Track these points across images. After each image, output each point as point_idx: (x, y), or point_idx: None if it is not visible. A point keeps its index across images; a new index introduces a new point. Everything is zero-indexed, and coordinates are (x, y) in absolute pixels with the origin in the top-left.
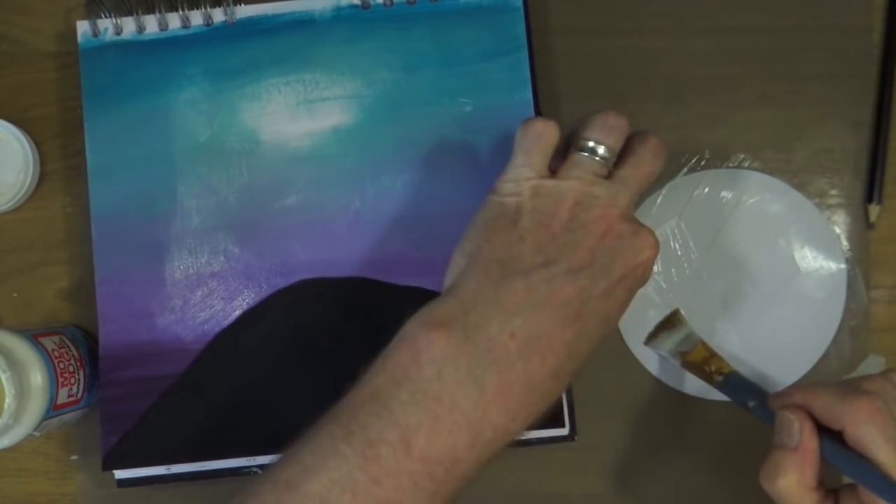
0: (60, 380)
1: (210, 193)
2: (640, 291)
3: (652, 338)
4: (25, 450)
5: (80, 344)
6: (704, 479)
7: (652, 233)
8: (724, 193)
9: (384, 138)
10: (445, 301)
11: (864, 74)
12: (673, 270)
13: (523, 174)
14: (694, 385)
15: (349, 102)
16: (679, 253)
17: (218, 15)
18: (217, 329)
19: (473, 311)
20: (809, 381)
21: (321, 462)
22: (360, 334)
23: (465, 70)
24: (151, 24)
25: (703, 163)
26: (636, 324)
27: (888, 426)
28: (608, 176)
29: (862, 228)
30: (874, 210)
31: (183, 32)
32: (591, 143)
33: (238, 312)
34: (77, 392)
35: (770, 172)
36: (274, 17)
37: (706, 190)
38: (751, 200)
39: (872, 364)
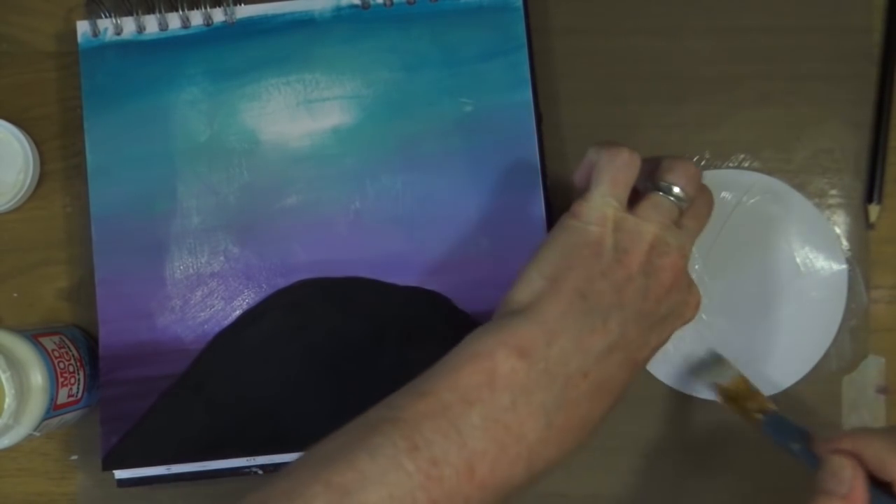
0: (60, 380)
1: (210, 193)
2: None
3: (691, 373)
4: (25, 450)
5: (80, 344)
6: (704, 479)
7: (698, 290)
8: (724, 194)
9: (384, 138)
10: (526, 324)
11: (864, 74)
12: None
13: (609, 204)
14: (694, 385)
15: (349, 102)
16: None
17: (218, 15)
18: (217, 329)
19: (556, 343)
20: (859, 428)
21: (381, 473)
22: (360, 334)
23: (465, 70)
24: (151, 24)
25: (703, 163)
26: None
27: None
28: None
29: (862, 228)
30: (874, 210)
31: (183, 32)
32: (676, 189)
33: (238, 312)
34: (77, 392)
35: (770, 172)
36: (274, 17)
37: None
38: (751, 201)
39: (872, 364)
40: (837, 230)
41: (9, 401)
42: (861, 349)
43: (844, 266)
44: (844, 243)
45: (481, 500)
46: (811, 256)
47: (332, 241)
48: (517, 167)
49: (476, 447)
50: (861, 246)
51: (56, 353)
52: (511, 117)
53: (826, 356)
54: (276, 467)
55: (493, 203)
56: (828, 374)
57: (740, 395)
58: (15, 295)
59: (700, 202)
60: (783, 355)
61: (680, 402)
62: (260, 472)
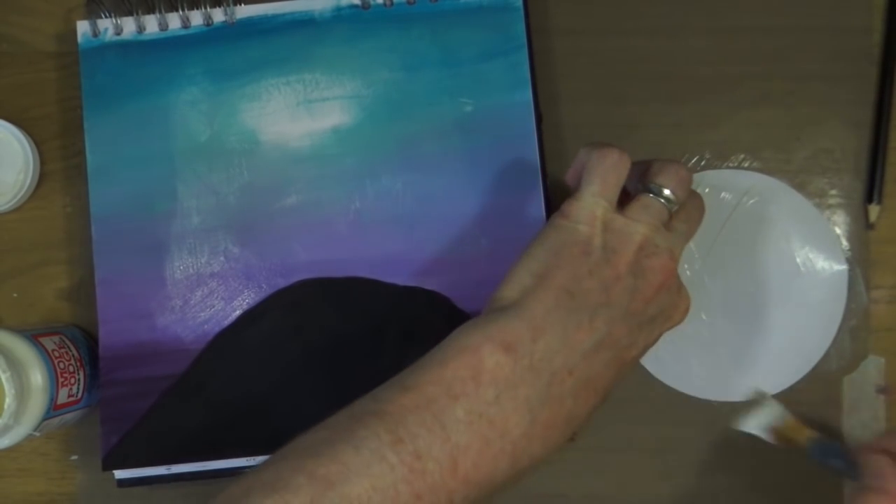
0: (60, 380)
1: (210, 193)
2: None
3: (742, 421)
4: (25, 450)
5: (80, 344)
6: (704, 480)
7: (688, 294)
8: (724, 194)
9: (384, 138)
10: (512, 320)
11: (864, 74)
12: None
13: (599, 204)
14: (694, 385)
15: (349, 102)
16: None
17: (218, 15)
18: (217, 329)
19: (541, 339)
20: (892, 430)
21: (365, 466)
22: (360, 334)
23: (465, 70)
24: (151, 24)
25: (703, 163)
26: None
27: None
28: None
29: (862, 228)
30: (874, 210)
31: (183, 32)
32: (666, 191)
33: (238, 312)
34: (77, 392)
35: (770, 172)
36: (274, 17)
37: (706, 190)
38: (751, 201)
39: (872, 364)
40: (837, 230)
41: (9, 401)
42: (861, 349)
43: (844, 266)
44: (844, 243)
45: (465, 494)
46: (811, 257)
47: (331, 240)
48: (517, 167)
49: (460, 441)
50: (861, 246)
51: (56, 353)
52: (511, 117)
53: (826, 356)
54: None
55: (492, 203)
56: (828, 374)
57: (790, 431)
58: (15, 295)
59: (691, 205)
60: (783, 355)
61: (680, 402)
62: None
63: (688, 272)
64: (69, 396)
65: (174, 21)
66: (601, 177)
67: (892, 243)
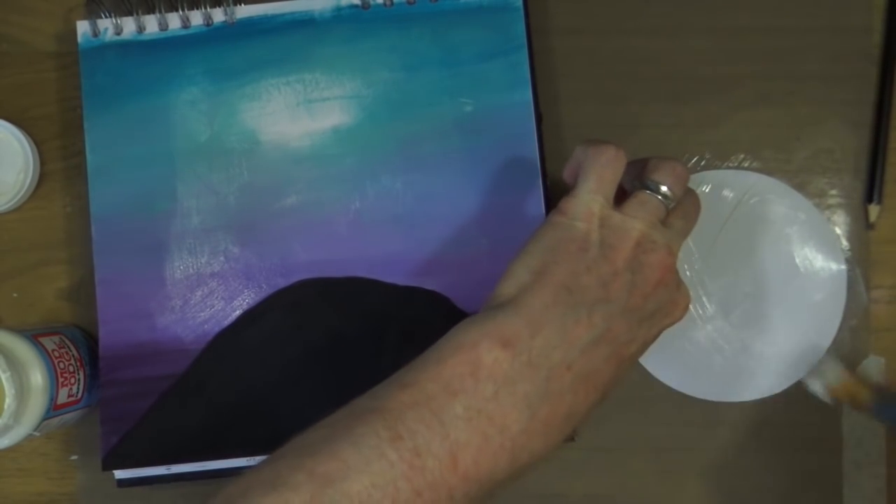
0: (60, 380)
1: (210, 193)
2: None
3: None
4: (25, 450)
5: (80, 344)
6: (704, 480)
7: (688, 290)
8: (724, 194)
9: (384, 138)
10: (510, 316)
11: (864, 74)
12: None
13: (596, 201)
14: (694, 385)
15: (349, 102)
16: (680, 254)
17: (218, 15)
18: (217, 329)
19: (539, 335)
20: None
21: (364, 463)
22: (360, 334)
23: (465, 70)
24: (151, 24)
25: (703, 163)
26: None
27: None
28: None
29: (862, 228)
30: (874, 210)
31: (183, 32)
32: (663, 188)
33: (238, 312)
34: (77, 392)
35: (770, 172)
36: (274, 17)
37: (706, 190)
38: (751, 201)
39: (872, 364)
40: (837, 230)
41: (9, 401)
42: (861, 349)
43: (844, 266)
44: (844, 243)
45: (465, 491)
46: (811, 257)
47: (331, 240)
48: (517, 167)
49: (459, 438)
50: (861, 246)
51: (56, 353)
52: (511, 117)
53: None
54: None
55: (492, 203)
56: None
57: (849, 392)
58: (15, 295)
59: (688, 202)
60: (783, 355)
61: (680, 402)
62: None
63: (688, 272)
64: (69, 396)
65: (174, 21)
66: (597, 173)
67: (892, 243)
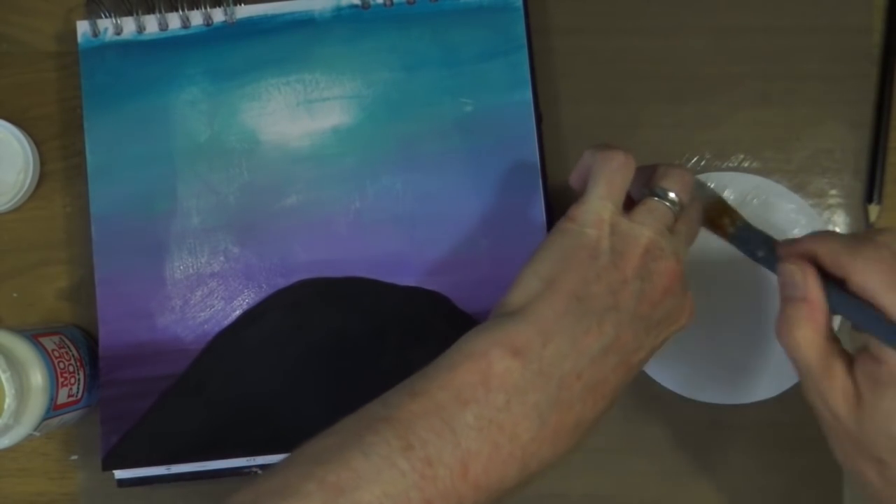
0: (60, 380)
1: (210, 193)
2: None
3: None
4: (25, 450)
5: (80, 344)
6: (704, 479)
7: (692, 298)
8: (724, 194)
9: (384, 138)
10: (521, 325)
11: (864, 74)
12: None
13: (606, 207)
14: (694, 387)
15: (349, 102)
16: None
17: (218, 15)
18: (217, 329)
19: (550, 344)
20: (816, 231)
21: (376, 472)
22: (360, 334)
23: (465, 70)
24: (151, 24)
25: (703, 163)
26: None
27: (893, 273)
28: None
29: (862, 228)
30: (874, 210)
31: (183, 32)
32: (671, 194)
33: (238, 312)
34: (77, 392)
35: (770, 173)
36: (274, 17)
37: None
38: (752, 202)
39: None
40: (837, 230)
41: (9, 401)
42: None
43: None
44: None
45: (475, 499)
46: None
47: (331, 240)
48: (517, 167)
49: (470, 447)
50: None
51: (56, 353)
52: (511, 117)
53: None
54: None
55: (492, 203)
56: None
57: (716, 214)
58: (15, 295)
59: (691, 209)
60: (783, 356)
61: (680, 402)
62: (260, 472)
63: (688, 273)
64: (69, 396)
65: (174, 21)
66: (607, 179)
67: None
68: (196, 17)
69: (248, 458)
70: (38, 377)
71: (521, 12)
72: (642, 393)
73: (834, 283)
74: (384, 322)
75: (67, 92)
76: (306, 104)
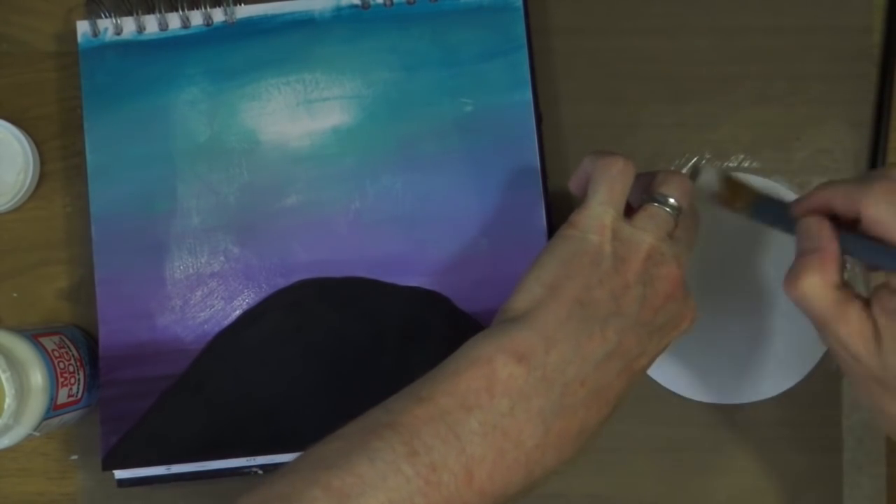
0: (60, 380)
1: (210, 193)
2: None
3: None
4: (25, 450)
5: (80, 344)
6: (704, 479)
7: (695, 303)
8: None
9: (384, 138)
10: (524, 331)
11: (864, 74)
12: None
13: (607, 213)
14: (694, 388)
15: (349, 102)
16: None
17: (218, 15)
18: (217, 329)
19: (554, 349)
20: (828, 181)
21: (381, 478)
22: (360, 334)
23: (465, 70)
24: (151, 24)
25: (703, 163)
26: None
27: None
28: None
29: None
30: None
31: (183, 32)
32: (672, 200)
33: (238, 312)
34: (77, 392)
35: (770, 172)
36: (274, 17)
37: None
38: None
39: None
40: None
41: (9, 401)
42: None
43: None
44: None
45: None
46: None
47: (331, 241)
48: (517, 167)
49: (475, 453)
50: None
51: (56, 353)
52: (511, 117)
53: (826, 356)
54: (275, 467)
55: (492, 203)
56: (828, 374)
57: (731, 192)
58: (15, 295)
59: (690, 214)
60: (784, 356)
61: (680, 402)
62: (260, 472)
63: (688, 275)
64: (69, 396)
65: (174, 21)
66: (608, 185)
67: None
68: (196, 17)
69: (248, 458)
70: (38, 377)
71: (521, 12)
72: (642, 393)
73: (847, 228)
74: (384, 322)
75: (67, 92)
76: (306, 104)
